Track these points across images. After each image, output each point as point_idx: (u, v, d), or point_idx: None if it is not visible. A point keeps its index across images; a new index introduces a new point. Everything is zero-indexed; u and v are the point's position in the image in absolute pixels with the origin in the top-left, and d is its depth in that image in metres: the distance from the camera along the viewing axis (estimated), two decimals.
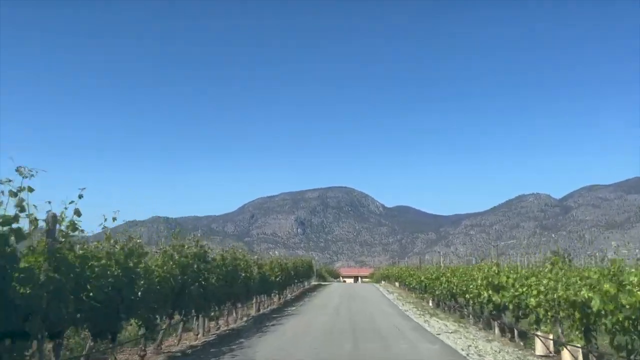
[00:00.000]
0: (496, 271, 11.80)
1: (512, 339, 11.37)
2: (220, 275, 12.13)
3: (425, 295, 22.98)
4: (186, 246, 10.42)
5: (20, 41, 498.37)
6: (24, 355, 4.86)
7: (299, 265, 31.19)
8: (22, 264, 5.04)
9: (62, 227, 5.92)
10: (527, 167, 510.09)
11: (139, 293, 7.38)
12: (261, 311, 18.71)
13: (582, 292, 6.78)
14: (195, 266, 10.51)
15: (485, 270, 12.22)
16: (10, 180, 4.94)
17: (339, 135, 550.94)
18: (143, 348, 8.44)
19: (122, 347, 9.46)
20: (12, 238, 4.81)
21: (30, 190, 5.09)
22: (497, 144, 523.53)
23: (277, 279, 20.59)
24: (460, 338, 11.78)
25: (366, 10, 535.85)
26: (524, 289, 9.54)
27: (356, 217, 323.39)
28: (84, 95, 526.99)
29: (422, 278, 23.20)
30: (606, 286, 6.17)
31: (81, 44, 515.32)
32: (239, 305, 15.84)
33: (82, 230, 6.26)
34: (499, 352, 9.87)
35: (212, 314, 12.67)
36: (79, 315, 6.07)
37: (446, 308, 19.20)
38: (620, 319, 5.90)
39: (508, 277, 10.79)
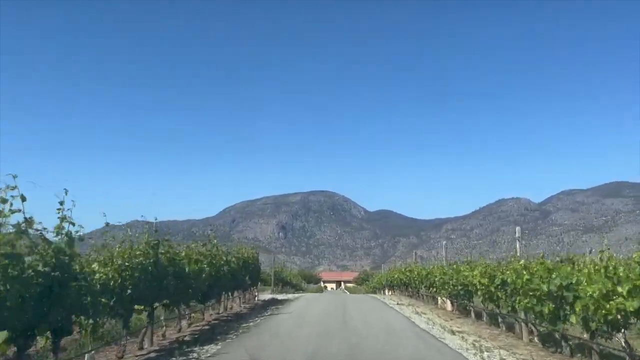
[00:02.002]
0: None
1: None
2: None
3: None
4: None
5: (17, 42, 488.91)
6: None
7: (178, 260, 10.48)
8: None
9: None
10: (507, 171, 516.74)
11: None
12: None
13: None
14: None
15: None
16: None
17: (321, 139, 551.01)
18: None
19: None
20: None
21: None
22: (478, 149, 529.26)
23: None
24: None
25: (346, 11, 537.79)
26: None
27: (338, 221, 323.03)
28: (67, 96, 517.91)
29: None
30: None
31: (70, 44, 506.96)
32: None
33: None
34: None
35: None
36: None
37: None
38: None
39: None
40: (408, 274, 24.73)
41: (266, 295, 26.12)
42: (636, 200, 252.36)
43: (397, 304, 20.34)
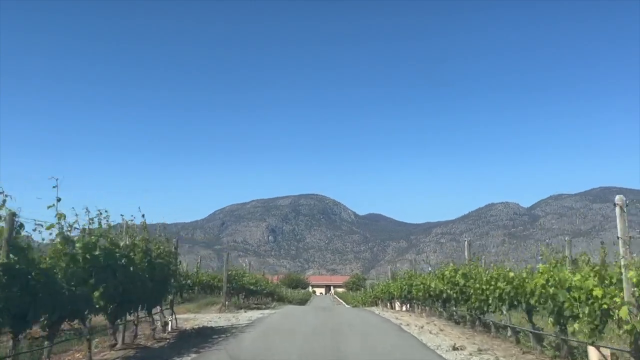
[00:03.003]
0: None
1: None
2: None
3: None
4: None
5: (16, 43, 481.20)
6: None
7: None
8: None
9: None
10: (497, 176, 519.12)
11: None
12: None
13: None
14: None
15: None
16: None
17: (311, 142, 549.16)
18: None
19: None
20: None
21: None
22: (468, 153, 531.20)
23: None
24: None
25: (336, 11, 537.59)
26: None
27: (328, 224, 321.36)
28: (57, 96, 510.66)
29: None
30: None
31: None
32: None
33: None
34: None
35: None
36: None
37: None
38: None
39: None
40: (461, 281, 12.97)
41: (206, 317, 15.71)
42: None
43: (454, 348, 9.23)
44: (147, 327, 10.58)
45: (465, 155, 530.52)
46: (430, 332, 12.00)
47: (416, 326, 13.41)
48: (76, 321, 7.27)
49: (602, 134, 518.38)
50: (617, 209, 5.97)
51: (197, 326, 12.82)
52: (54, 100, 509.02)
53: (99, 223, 7.60)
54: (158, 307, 11.33)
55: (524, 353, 8.58)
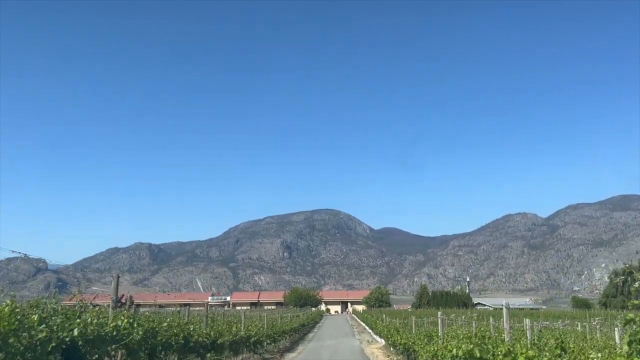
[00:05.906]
0: None
1: None
2: None
3: None
4: None
5: (16, 43, 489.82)
6: None
7: None
8: None
9: None
10: (514, 186, 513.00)
11: None
12: None
13: None
14: None
15: None
16: None
17: (324, 157, 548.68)
18: None
19: None
20: None
21: None
22: (483, 163, 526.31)
23: None
24: None
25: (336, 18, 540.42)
26: None
27: (343, 239, 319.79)
28: (55, 97, 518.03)
29: None
30: None
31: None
32: None
33: None
34: None
35: None
36: None
37: None
38: None
39: None
40: None
41: None
42: None
43: None
44: None
45: (480, 165, 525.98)
46: None
47: None
48: None
49: (620, 139, 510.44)
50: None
51: None
52: (53, 101, 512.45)
53: None
54: None
55: None
